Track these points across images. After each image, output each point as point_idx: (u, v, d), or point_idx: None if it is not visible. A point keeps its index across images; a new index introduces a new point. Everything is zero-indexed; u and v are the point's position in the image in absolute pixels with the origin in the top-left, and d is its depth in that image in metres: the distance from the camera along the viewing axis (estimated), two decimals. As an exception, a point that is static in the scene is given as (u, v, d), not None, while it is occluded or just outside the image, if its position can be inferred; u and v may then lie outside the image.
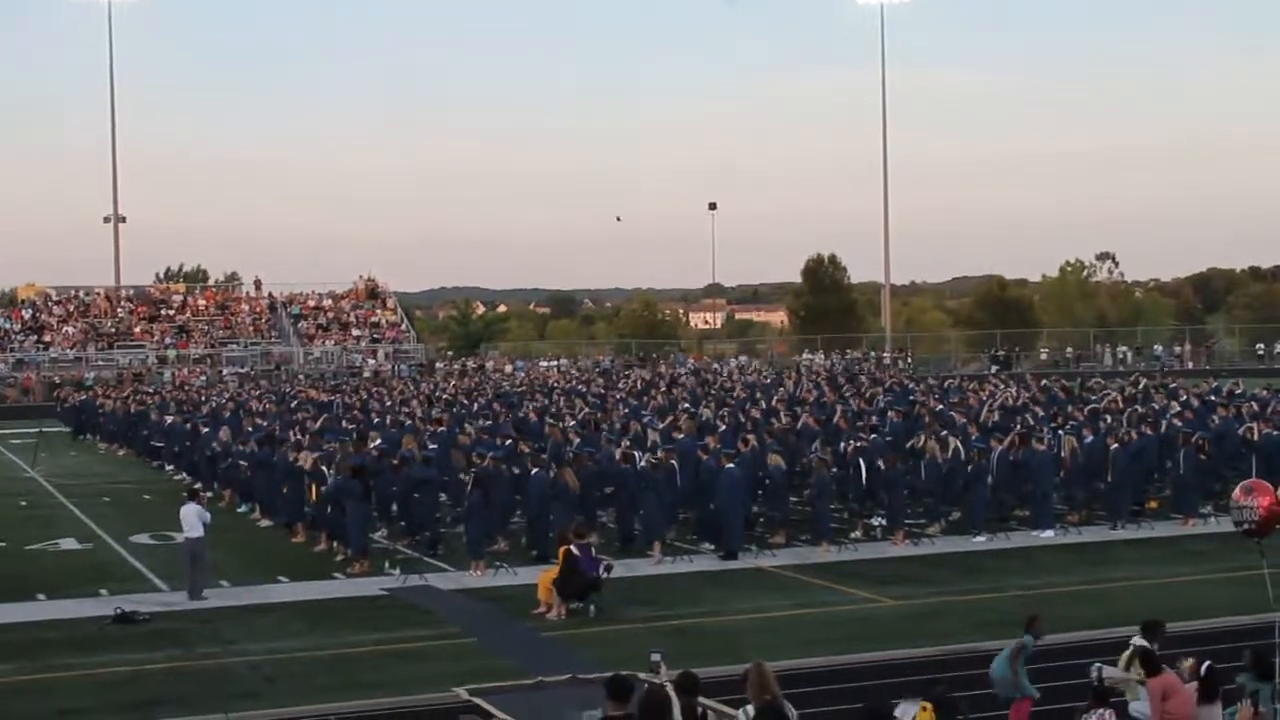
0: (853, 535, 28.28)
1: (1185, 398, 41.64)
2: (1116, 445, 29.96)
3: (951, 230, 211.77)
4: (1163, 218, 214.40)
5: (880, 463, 28.60)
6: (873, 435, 31.95)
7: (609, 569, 22.51)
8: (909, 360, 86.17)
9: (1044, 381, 50.63)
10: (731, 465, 27.12)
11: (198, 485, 38.17)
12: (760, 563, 26.17)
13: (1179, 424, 33.10)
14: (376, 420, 39.57)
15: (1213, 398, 40.41)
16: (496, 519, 27.44)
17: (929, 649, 19.43)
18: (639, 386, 53.92)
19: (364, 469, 27.00)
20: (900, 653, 19.32)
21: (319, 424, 37.83)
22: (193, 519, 23.93)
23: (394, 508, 29.53)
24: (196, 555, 24.00)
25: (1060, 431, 32.42)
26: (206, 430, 39.24)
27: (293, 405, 48.32)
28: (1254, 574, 24.04)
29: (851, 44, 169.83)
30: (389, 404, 46.85)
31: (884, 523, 28.54)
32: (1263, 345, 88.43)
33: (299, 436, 33.68)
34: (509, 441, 32.00)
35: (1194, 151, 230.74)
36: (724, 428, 34.06)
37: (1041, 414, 37.03)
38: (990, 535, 28.21)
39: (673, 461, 28.17)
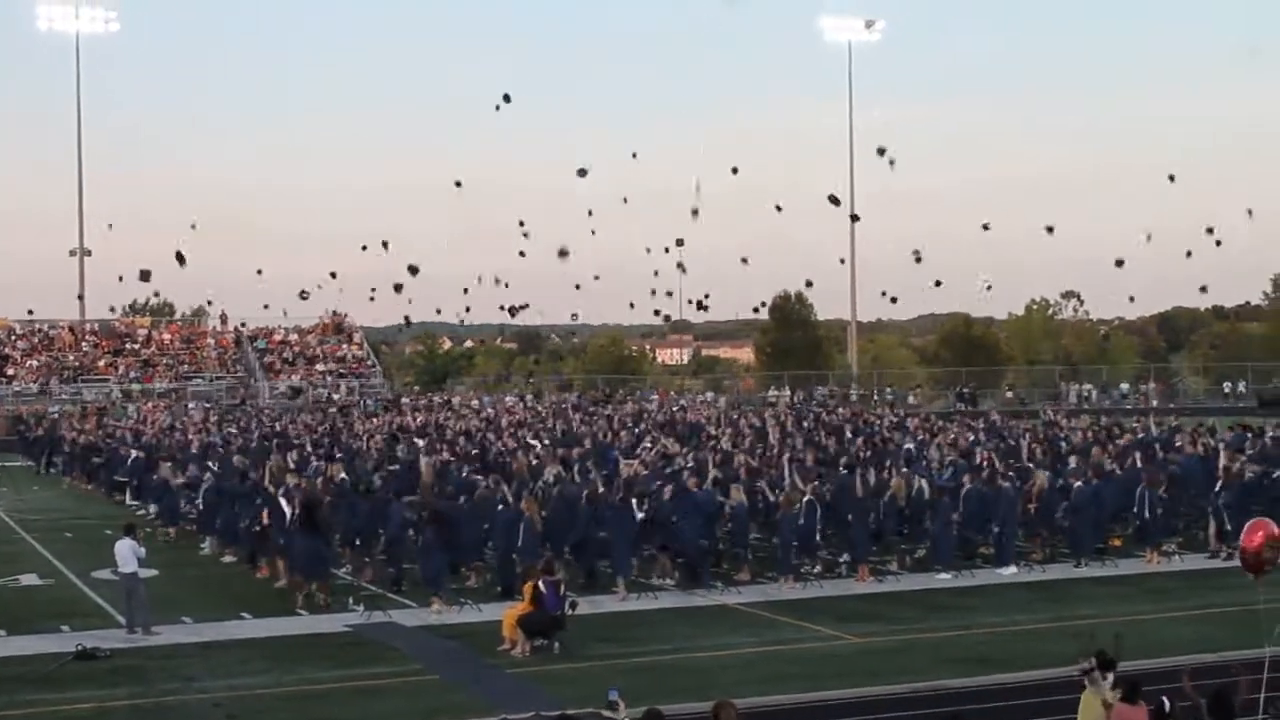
0: (814, 570, 28.28)
1: (1146, 436, 41.95)
2: (1079, 483, 30.11)
3: (918, 267, 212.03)
4: (1128, 256, 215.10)
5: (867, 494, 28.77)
6: (842, 473, 32.06)
7: (574, 606, 22.48)
8: (885, 399, 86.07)
9: (1011, 423, 50.80)
10: (696, 490, 27.27)
11: (152, 515, 38.44)
12: (725, 599, 26.15)
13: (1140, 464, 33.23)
14: (340, 456, 39.38)
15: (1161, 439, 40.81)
16: (464, 553, 27.44)
17: (894, 686, 19.43)
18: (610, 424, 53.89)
19: (314, 505, 26.85)
20: (865, 690, 19.32)
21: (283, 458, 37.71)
22: (126, 554, 23.76)
23: (357, 541, 29.41)
24: (131, 590, 23.83)
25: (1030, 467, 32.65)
26: (168, 465, 39.00)
27: (256, 438, 48.11)
28: (1216, 612, 24.32)
29: (819, 79, 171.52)
30: (349, 437, 46.71)
31: (848, 558, 28.61)
32: (1228, 384, 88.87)
33: (261, 470, 33.57)
34: (475, 476, 31.93)
35: (1159, 189, 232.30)
36: (691, 464, 34.07)
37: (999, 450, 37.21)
38: (955, 572, 28.27)
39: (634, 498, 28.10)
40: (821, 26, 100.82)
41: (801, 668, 20.82)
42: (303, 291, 66.26)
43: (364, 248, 60.09)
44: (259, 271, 54.50)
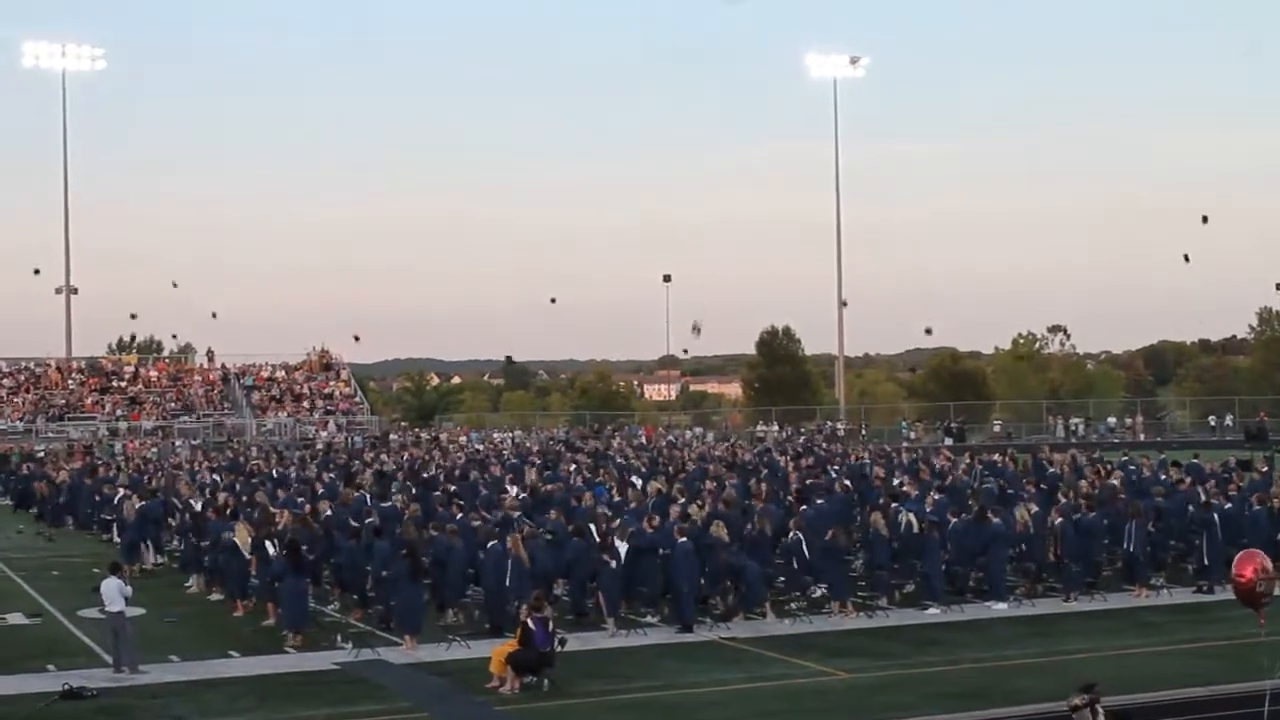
0: (796, 606, 28.25)
1: (1136, 469, 42.03)
2: (1061, 519, 30.12)
3: (905, 302, 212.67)
4: (1114, 290, 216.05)
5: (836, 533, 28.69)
6: (805, 507, 32.14)
7: (563, 642, 22.44)
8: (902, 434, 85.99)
9: (994, 456, 50.72)
10: (684, 539, 27.17)
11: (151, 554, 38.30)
12: (715, 635, 26.11)
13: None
14: (322, 492, 39.23)
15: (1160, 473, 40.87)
16: (448, 592, 27.42)
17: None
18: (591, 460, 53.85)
19: (297, 544, 26.82)
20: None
21: (269, 495, 37.63)
22: (113, 593, 23.62)
23: (345, 580, 29.31)
24: (118, 630, 23.68)
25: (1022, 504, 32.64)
26: (146, 503, 38.90)
27: (246, 476, 48.00)
28: (1206, 645, 24.33)
29: (805, 115, 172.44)
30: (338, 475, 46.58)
31: (824, 591, 28.60)
32: (1214, 417, 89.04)
33: (249, 509, 33.53)
34: (460, 515, 31.85)
35: (1144, 224, 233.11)
36: (681, 500, 34.02)
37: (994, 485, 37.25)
38: (944, 607, 28.24)
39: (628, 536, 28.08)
40: (807, 63, 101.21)
41: (789, 704, 20.79)
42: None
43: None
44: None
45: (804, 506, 32.37)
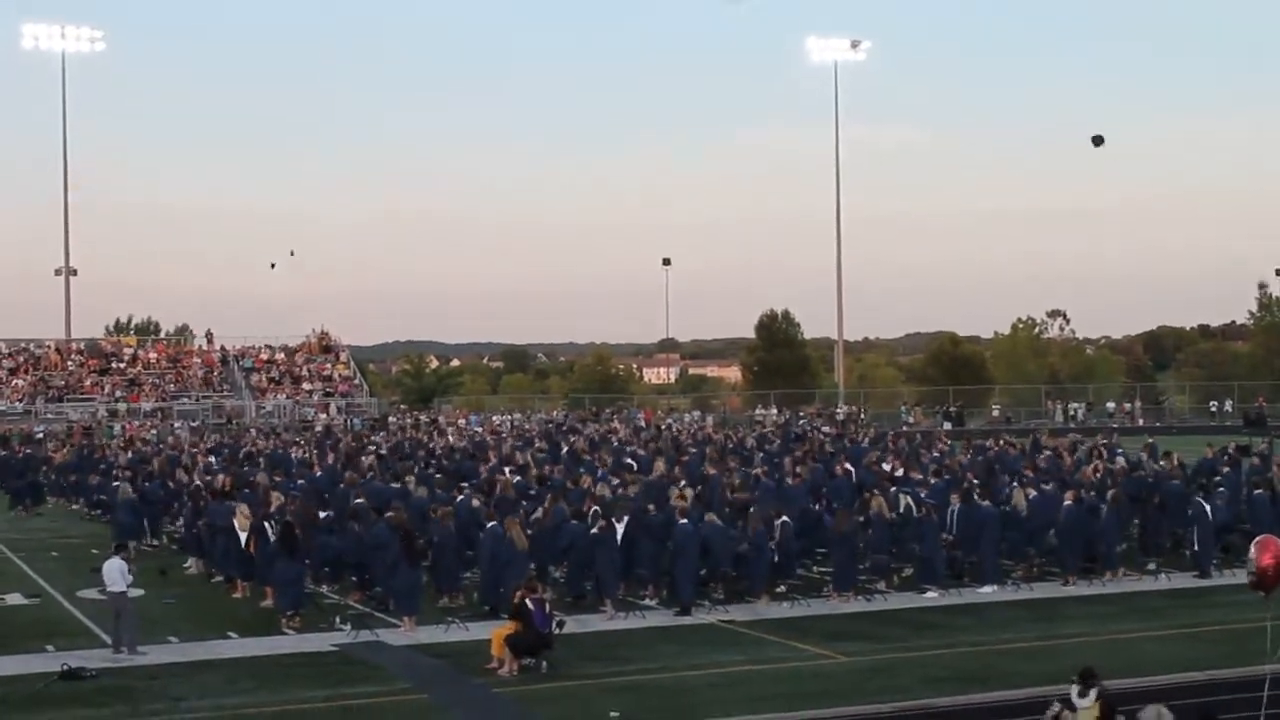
0: (781, 589, 28.27)
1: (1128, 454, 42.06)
2: (1069, 503, 30.10)
3: (904, 286, 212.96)
4: (1113, 276, 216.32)
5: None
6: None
7: (561, 625, 22.46)
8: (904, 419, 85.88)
9: (987, 441, 50.70)
10: (684, 521, 27.18)
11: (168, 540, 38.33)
12: (713, 618, 26.13)
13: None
14: (320, 475, 39.21)
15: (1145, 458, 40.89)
16: (443, 576, 27.45)
17: (880, 705, 19.43)
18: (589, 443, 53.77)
19: (292, 527, 26.84)
20: (851, 709, 19.32)
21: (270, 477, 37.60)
22: (115, 574, 23.62)
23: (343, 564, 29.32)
24: (120, 610, 23.69)
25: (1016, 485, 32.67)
26: (147, 485, 38.89)
27: (242, 458, 47.98)
28: (1204, 630, 24.36)
29: (805, 100, 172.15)
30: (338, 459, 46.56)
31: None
32: (1214, 402, 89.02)
33: (247, 489, 33.52)
34: (460, 497, 31.87)
35: (1144, 211, 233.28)
36: (682, 483, 34.03)
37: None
38: (942, 591, 28.26)
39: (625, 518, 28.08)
40: (808, 47, 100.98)
41: (788, 686, 20.80)
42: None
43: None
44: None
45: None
